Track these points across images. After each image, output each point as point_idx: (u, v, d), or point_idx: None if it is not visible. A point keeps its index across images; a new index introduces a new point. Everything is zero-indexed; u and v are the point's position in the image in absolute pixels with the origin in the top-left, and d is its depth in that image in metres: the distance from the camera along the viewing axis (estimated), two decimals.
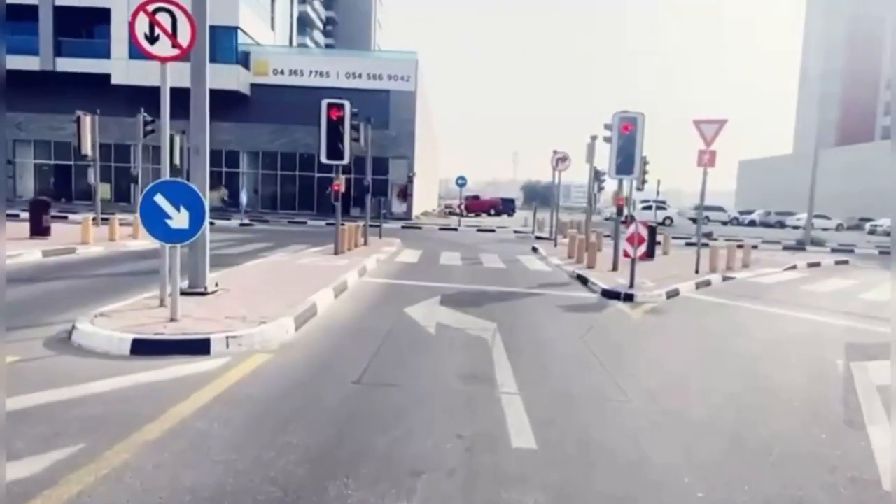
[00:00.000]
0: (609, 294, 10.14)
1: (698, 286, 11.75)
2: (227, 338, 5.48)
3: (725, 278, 13.10)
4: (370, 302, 8.58)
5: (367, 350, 5.82)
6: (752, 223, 52.42)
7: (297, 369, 5.10)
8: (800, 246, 24.54)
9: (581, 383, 5.20)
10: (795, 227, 46.83)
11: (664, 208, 44.15)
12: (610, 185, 19.74)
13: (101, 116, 19.88)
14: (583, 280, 11.80)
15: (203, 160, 7.26)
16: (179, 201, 5.76)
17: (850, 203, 54.32)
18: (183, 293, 7.20)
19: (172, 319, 5.92)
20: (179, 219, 5.77)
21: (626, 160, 12.72)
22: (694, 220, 43.66)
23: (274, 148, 36.38)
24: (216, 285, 7.69)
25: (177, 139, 25.01)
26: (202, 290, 7.33)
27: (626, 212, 15.70)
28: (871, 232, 42.79)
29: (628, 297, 9.88)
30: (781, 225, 49.69)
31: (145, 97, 21.53)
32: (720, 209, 46.81)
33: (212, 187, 36.93)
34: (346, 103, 12.95)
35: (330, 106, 12.90)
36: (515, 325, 7.45)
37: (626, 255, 10.33)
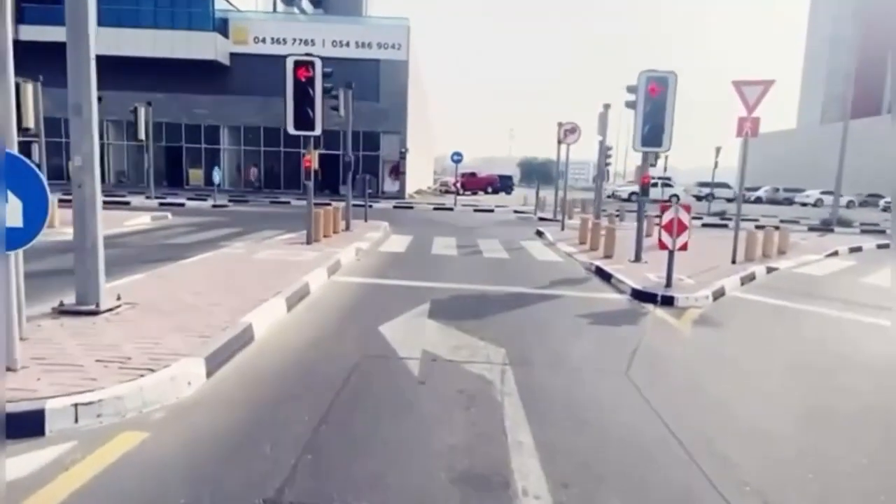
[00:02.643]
0: (642, 296, 8.08)
1: (743, 281, 9.73)
2: (77, 406, 3.39)
3: (769, 269, 11.06)
4: (335, 315, 6.49)
5: (308, 418, 3.73)
6: (759, 200, 50.24)
7: (175, 470, 3.02)
8: (826, 226, 22.48)
9: (656, 488, 3.14)
10: (804, 204, 44.77)
11: (670, 185, 42.00)
12: (616, 160, 17.56)
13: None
14: (604, 275, 9.74)
15: (87, 124, 5.08)
16: (8, 185, 3.63)
17: (857, 178, 52.16)
18: (64, 312, 5.14)
19: (9, 368, 3.83)
20: (8, 212, 3.64)
21: (655, 129, 10.63)
22: (699, 198, 41.50)
23: (257, 122, 33.91)
24: (118, 299, 5.56)
25: (141, 111, 22.83)
26: (92, 308, 5.21)
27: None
28: (885, 209, 40.89)
29: (667, 301, 7.83)
30: (790, 202, 47.59)
31: (116, 67, 19.25)
32: (726, 186, 44.33)
33: (192, 165, 35.06)
34: (317, 60, 10.69)
35: (297, 64, 10.64)
36: (531, 351, 5.41)
37: (664, 246, 8.26)
